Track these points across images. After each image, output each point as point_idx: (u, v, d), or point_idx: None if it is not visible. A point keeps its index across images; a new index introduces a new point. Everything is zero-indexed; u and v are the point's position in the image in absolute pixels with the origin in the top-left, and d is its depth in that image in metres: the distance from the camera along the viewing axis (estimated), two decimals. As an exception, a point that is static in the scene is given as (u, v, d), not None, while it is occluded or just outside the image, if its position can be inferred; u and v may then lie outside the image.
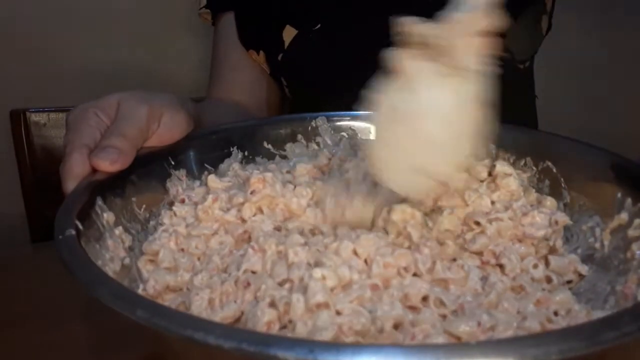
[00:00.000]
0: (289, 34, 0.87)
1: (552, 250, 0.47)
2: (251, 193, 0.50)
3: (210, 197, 0.52)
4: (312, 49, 0.86)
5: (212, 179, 0.55)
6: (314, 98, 0.88)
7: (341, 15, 0.85)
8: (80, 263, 0.36)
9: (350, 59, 0.83)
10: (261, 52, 0.91)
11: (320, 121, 0.65)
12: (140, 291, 0.43)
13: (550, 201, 0.52)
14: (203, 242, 0.48)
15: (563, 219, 0.48)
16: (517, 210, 0.48)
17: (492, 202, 0.49)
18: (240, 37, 0.91)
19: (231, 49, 0.93)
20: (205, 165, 0.58)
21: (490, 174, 0.53)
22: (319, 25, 0.86)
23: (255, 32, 0.91)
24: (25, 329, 0.52)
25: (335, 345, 0.27)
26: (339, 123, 0.66)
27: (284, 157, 0.63)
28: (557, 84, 1.21)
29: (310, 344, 0.26)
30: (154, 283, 0.43)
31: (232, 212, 0.51)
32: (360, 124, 0.65)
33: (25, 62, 1.12)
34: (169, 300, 0.43)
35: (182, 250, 0.48)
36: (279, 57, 0.89)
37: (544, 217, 0.48)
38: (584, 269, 0.45)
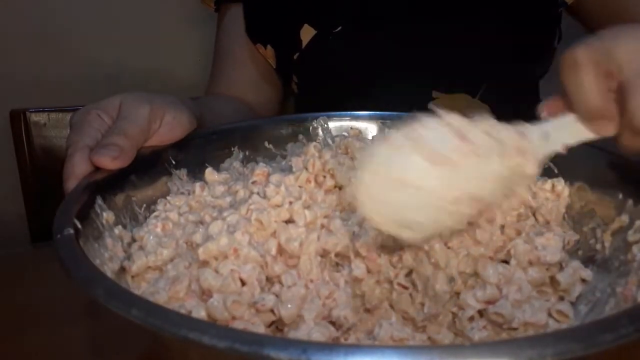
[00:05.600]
0: (307, 33, 0.86)
1: (561, 268, 0.46)
2: (252, 183, 0.51)
3: (197, 185, 0.53)
4: (332, 50, 0.85)
5: (209, 172, 0.56)
6: (325, 96, 0.87)
7: (363, 18, 0.84)
8: (77, 262, 0.36)
9: (369, 63, 0.83)
10: (269, 47, 0.90)
11: (321, 121, 0.65)
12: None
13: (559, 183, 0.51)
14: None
15: (574, 238, 0.48)
16: (529, 232, 0.47)
17: (502, 227, 0.48)
18: (248, 30, 0.90)
19: (236, 44, 0.91)
20: (206, 165, 0.58)
21: None
22: (339, 28, 0.84)
23: (264, 27, 0.90)
24: (25, 329, 0.52)
25: (329, 346, 0.27)
26: (339, 123, 0.65)
27: (285, 157, 0.63)
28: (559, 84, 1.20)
29: (303, 345, 0.26)
30: (131, 264, 0.44)
31: (227, 199, 0.51)
32: (361, 124, 0.65)
33: (25, 62, 1.13)
34: (150, 280, 0.44)
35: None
36: (295, 56, 0.87)
37: (558, 239, 0.46)
38: (587, 274, 0.45)
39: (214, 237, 0.44)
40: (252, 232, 0.45)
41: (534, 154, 0.41)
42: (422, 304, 0.43)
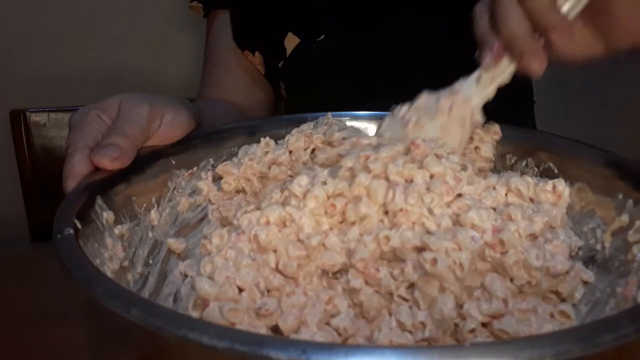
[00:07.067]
0: (291, 42, 0.86)
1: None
2: None
3: None
4: (315, 58, 0.85)
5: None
6: (311, 102, 0.87)
7: (346, 27, 0.84)
8: (77, 262, 0.36)
9: (353, 70, 0.83)
10: (257, 53, 0.90)
11: (321, 120, 0.65)
12: None
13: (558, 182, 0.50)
14: None
15: (579, 244, 0.48)
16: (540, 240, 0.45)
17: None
18: (235, 37, 0.90)
19: (225, 50, 0.91)
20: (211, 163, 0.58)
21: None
22: (322, 36, 0.85)
23: (252, 34, 0.90)
24: (26, 329, 0.52)
25: (328, 346, 0.27)
26: (339, 123, 0.65)
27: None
28: (555, 85, 1.20)
29: (302, 345, 0.26)
30: None
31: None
32: (360, 124, 0.65)
33: (25, 62, 1.13)
34: None
35: None
36: (280, 64, 0.88)
37: (565, 246, 0.45)
38: (588, 275, 0.44)
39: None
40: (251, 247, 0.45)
41: (471, 100, 0.51)
42: (423, 324, 0.40)
